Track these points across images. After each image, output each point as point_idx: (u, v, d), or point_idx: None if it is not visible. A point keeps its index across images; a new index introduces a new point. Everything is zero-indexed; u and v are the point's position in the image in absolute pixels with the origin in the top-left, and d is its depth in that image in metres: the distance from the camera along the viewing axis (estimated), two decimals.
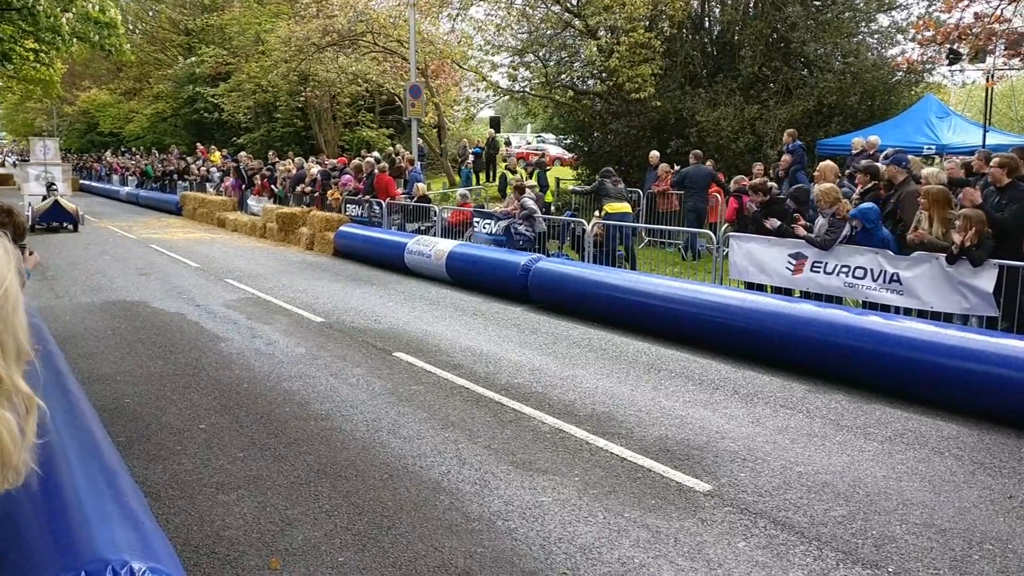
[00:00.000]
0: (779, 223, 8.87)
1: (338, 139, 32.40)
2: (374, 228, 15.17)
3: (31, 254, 5.20)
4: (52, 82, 27.65)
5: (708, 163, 14.84)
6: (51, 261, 14.10)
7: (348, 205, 16.67)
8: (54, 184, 20.54)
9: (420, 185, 15.89)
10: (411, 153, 20.21)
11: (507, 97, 25.01)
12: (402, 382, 6.94)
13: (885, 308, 7.72)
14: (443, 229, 14.07)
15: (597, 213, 12.62)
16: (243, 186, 22.38)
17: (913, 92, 18.17)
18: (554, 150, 31.11)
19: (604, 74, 19.60)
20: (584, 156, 21.94)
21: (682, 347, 8.14)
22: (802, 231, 8.60)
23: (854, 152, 12.76)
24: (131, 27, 39.46)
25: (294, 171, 19.80)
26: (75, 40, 20.49)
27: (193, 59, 36.56)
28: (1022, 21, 15.17)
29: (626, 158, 19.38)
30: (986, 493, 4.70)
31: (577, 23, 20.17)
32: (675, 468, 5.04)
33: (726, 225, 10.57)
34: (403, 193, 16.26)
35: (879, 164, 9.85)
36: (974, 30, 14.69)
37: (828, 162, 10.11)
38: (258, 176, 21.63)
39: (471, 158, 25.17)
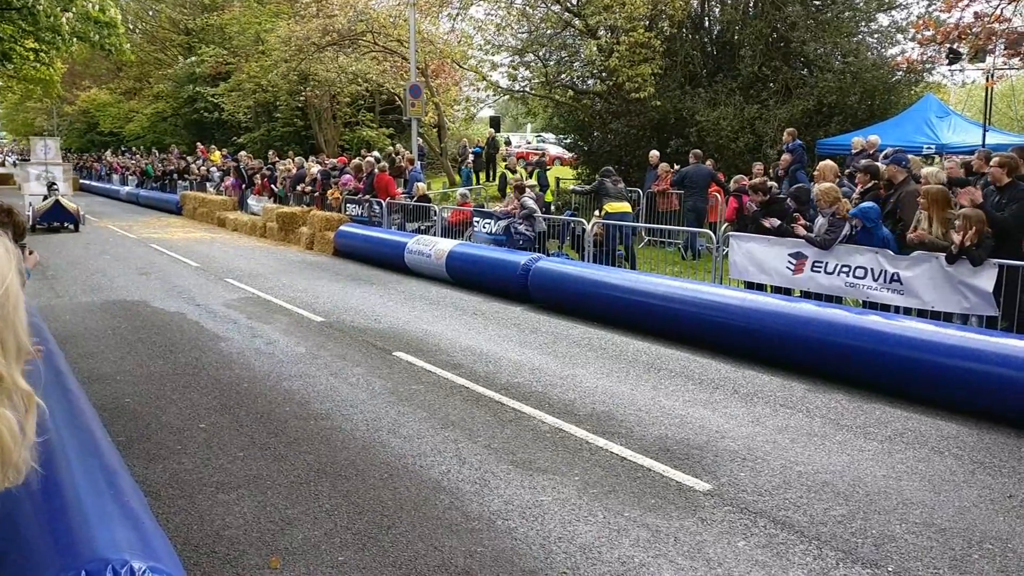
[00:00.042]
0: (779, 223, 8.87)
1: (338, 139, 32.40)
2: (374, 228, 15.17)
3: (31, 253, 5.20)
4: (52, 82, 27.67)
5: (708, 163, 14.84)
6: (51, 261, 14.10)
7: (348, 205, 16.68)
8: (55, 184, 20.50)
9: (420, 185, 15.89)
10: (411, 153, 20.22)
11: (507, 97, 25.02)
12: (402, 381, 6.94)
13: (885, 308, 7.73)
14: (443, 229, 14.07)
15: (597, 213, 12.62)
16: (243, 186, 22.39)
17: (913, 92, 18.17)
18: (554, 150, 31.11)
19: (604, 74, 19.60)
20: (584, 156, 21.94)
21: (682, 347, 8.14)
22: (802, 231, 8.60)
23: (854, 152, 12.76)
24: (131, 27, 39.44)
25: (294, 171, 19.81)
26: (75, 40, 20.50)
27: (193, 59, 36.56)
28: (1022, 21, 15.16)
29: (626, 158, 19.38)
30: (986, 492, 4.70)
31: (577, 23, 20.17)
32: (675, 467, 5.04)
33: (726, 225, 10.57)
34: (403, 193, 16.26)
35: (879, 164, 9.85)
36: (974, 30, 14.69)
37: (828, 162, 10.11)
38: (258, 176, 21.64)
39: (471, 158, 25.17)
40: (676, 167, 14.96)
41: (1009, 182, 7.45)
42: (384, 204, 15.48)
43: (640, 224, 14.14)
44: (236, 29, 32.73)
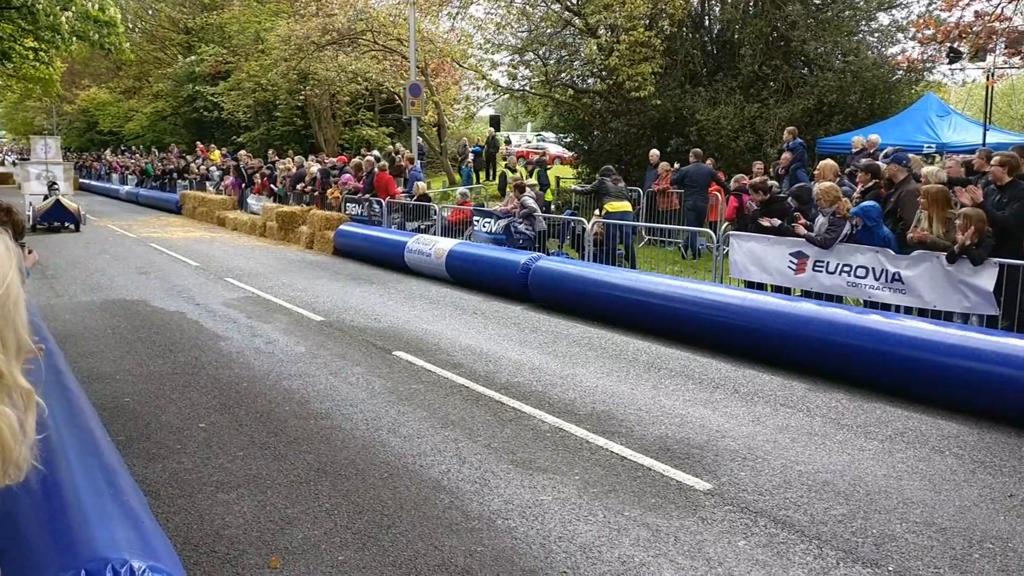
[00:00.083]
0: (779, 222, 8.87)
1: (338, 138, 32.39)
2: (374, 227, 15.17)
3: (30, 252, 5.20)
4: (52, 81, 27.66)
5: (708, 162, 14.84)
6: (51, 260, 14.10)
7: (348, 204, 16.67)
8: (56, 183, 20.46)
9: (420, 184, 15.88)
10: (411, 152, 20.21)
11: (507, 96, 25.00)
12: (402, 381, 6.94)
13: (886, 307, 7.72)
14: (443, 228, 14.06)
15: (597, 212, 12.62)
16: (243, 185, 22.38)
17: (913, 91, 18.16)
18: (554, 149, 31.10)
19: (604, 72, 19.59)
20: (584, 155, 21.93)
21: (682, 346, 8.14)
22: (802, 230, 8.59)
23: (854, 151, 12.76)
24: (131, 26, 39.42)
25: (294, 170, 19.80)
26: (74, 39, 20.50)
27: (193, 58, 36.55)
28: (1022, 19, 15.15)
29: (626, 157, 19.37)
30: (986, 492, 4.70)
31: (577, 21, 20.16)
32: (675, 467, 5.03)
33: (726, 224, 10.56)
34: (403, 192, 16.26)
35: (880, 163, 9.85)
36: (974, 28, 14.68)
37: (828, 161, 10.10)
38: (258, 175, 21.63)
39: (471, 157, 25.17)
40: (676, 166, 14.96)
41: (1010, 181, 7.44)
42: (384, 203, 15.48)
43: (640, 223, 14.13)
44: (236, 28, 32.73)
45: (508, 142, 31.32)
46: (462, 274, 11.65)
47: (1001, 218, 7.22)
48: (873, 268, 7.92)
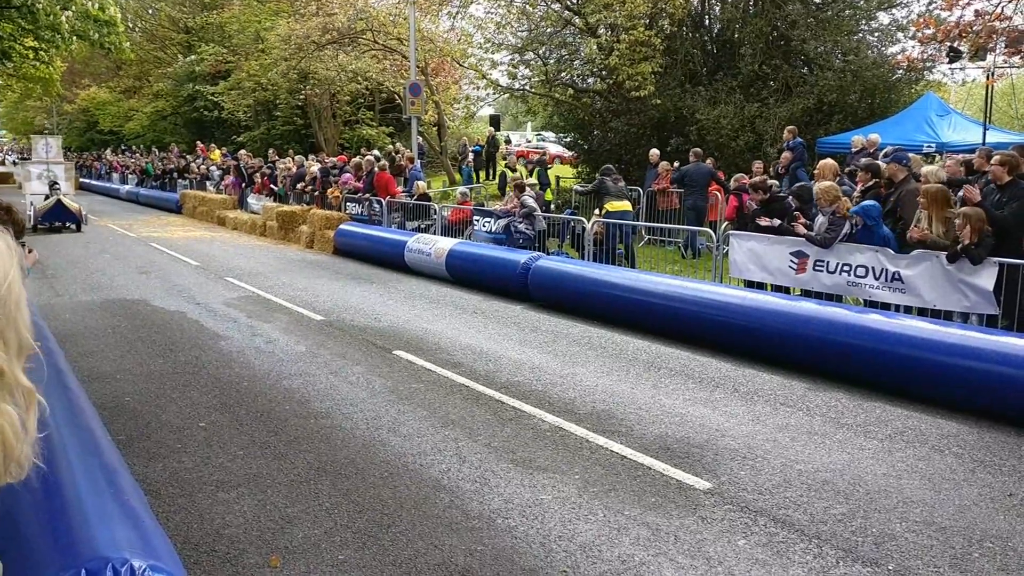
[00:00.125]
0: (778, 222, 8.87)
1: (338, 137, 32.39)
2: (374, 226, 15.17)
3: (30, 252, 5.20)
4: (52, 80, 27.66)
5: (708, 161, 14.83)
6: (51, 259, 14.10)
7: (348, 203, 16.67)
8: (57, 183, 20.43)
9: (420, 183, 15.88)
10: (411, 151, 20.20)
11: (507, 95, 24.99)
12: (402, 380, 6.94)
13: (886, 306, 7.73)
14: (443, 227, 14.07)
15: (597, 211, 12.62)
16: (243, 184, 22.38)
17: (913, 90, 18.16)
18: (554, 148, 31.10)
19: (604, 72, 19.58)
20: (584, 154, 21.93)
21: (682, 345, 8.14)
22: (802, 229, 8.59)
23: (854, 150, 12.76)
24: (131, 25, 39.41)
25: (294, 169, 19.81)
26: (75, 38, 20.50)
27: (193, 57, 36.54)
28: (1023, 19, 15.14)
29: (626, 156, 19.36)
30: (986, 491, 4.70)
31: (577, 21, 20.16)
32: (675, 466, 5.04)
33: (726, 223, 10.56)
34: (403, 191, 16.26)
35: (880, 162, 9.85)
36: (975, 28, 14.67)
37: (827, 160, 10.10)
38: (258, 174, 21.64)
39: (471, 156, 25.17)
40: (676, 165, 14.96)
41: (1010, 180, 7.45)
42: (384, 203, 15.48)
43: (640, 223, 14.13)
44: (236, 27, 32.72)
45: (508, 142, 31.32)
46: (462, 273, 11.66)
47: (1001, 217, 7.23)
48: (873, 267, 7.92)
